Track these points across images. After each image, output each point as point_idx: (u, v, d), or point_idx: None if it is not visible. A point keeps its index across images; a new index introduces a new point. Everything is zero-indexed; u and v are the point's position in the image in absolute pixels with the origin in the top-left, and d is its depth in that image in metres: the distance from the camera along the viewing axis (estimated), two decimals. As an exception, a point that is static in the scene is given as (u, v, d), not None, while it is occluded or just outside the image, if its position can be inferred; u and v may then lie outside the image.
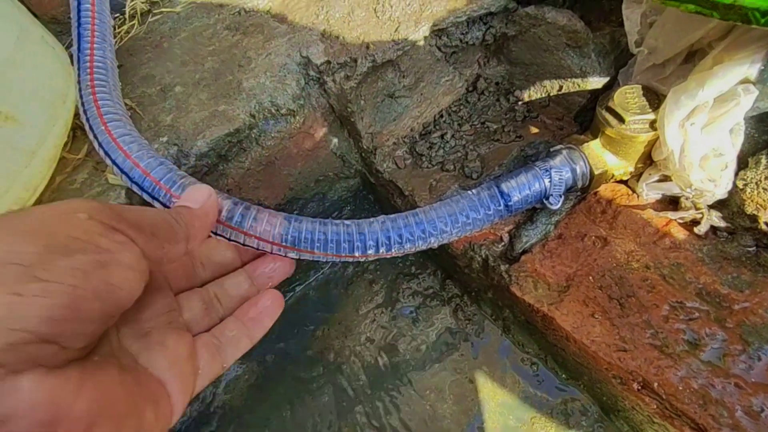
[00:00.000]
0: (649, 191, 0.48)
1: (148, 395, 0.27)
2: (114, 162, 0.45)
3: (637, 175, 0.49)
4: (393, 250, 0.44)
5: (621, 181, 0.50)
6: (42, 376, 0.20)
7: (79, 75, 0.52)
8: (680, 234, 0.46)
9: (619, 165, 0.47)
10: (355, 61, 0.50)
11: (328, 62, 0.52)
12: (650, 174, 0.47)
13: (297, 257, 0.43)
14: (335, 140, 0.58)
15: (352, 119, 0.54)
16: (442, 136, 0.58)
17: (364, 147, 0.57)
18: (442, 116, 0.60)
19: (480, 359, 0.59)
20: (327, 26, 0.55)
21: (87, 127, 0.48)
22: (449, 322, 0.63)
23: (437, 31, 0.52)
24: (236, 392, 0.63)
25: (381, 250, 0.43)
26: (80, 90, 0.50)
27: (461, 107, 0.60)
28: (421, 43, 0.52)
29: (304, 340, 0.65)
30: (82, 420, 0.22)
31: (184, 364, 0.31)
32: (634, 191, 0.50)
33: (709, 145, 0.41)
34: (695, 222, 0.46)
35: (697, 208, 0.46)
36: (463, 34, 0.53)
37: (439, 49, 0.54)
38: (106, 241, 0.24)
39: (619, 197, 0.50)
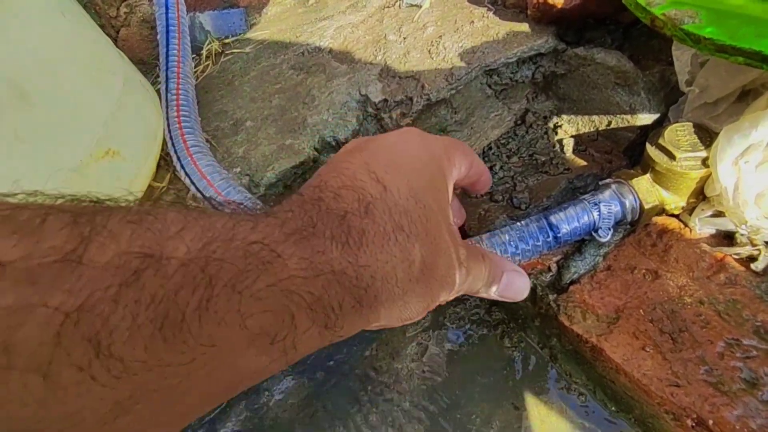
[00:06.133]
0: (703, 226, 0.48)
1: None
2: (198, 189, 0.51)
3: (690, 209, 0.49)
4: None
5: (672, 215, 0.51)
6: None
7: (167, 111, 0.59)
8: (736, 270, 0.46)
9: (669, 200, 0.48)
10: (411, 99, 0.54)
11: (386, 100, 0.56)
12: (703, 209, 0.48)
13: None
14: (389, 171, 0.62)
15: (406, 152, 0.58)
16: (490, 168, 0.60)
17: (416, 177, 0.60)
18: (491, 148, 0.62)
19: (526, 387, 0.59)
20: (384, 66, 0.60)
21: (174, 158, 0.54)
22: (495, 348, 0.64)
23: (489, 71, 0.56)
24: (288, 406, 0.66)
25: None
26: (168, 125, 0.57)
27: (509, 140, 0.63)
28: (473, 82, 0.55)
29: (354, 358, 0.68)
30: None
31: None
32: (686, 225, 0.50)
33: (764, 183, 0.41)
34: (752, 258, 0.46)
35: (753, 245, 0.45)
36: (513, 73, 0.56)
37: (490, 86, 0.58)
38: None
39: (670, 231, 0.50)
